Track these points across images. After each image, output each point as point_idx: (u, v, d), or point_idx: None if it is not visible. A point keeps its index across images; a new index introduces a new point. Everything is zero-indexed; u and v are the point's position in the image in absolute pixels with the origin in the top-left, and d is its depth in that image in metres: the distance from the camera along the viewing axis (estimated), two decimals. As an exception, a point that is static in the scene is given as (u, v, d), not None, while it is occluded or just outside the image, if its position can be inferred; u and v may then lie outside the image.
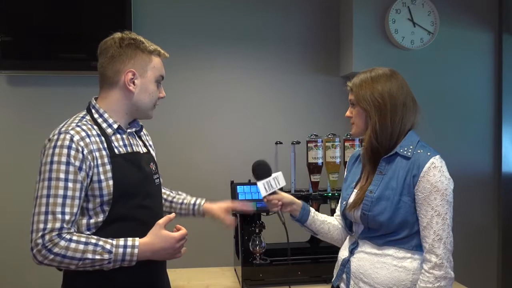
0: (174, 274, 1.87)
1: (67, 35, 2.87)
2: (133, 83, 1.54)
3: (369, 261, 1.56)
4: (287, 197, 1.72)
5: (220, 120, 3.12)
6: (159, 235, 1.48)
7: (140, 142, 1.67)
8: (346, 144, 2.39)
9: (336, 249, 2.29)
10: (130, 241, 1.44)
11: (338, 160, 2.39)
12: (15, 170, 2.90)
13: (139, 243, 1.45)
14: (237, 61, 3.13)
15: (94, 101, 1.58)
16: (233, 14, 3.10)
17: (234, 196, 2.24)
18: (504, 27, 3.19)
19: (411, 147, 1.53)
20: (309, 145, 2.39)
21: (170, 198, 1.91)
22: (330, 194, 2.36)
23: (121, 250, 1.42)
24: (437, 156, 1.51)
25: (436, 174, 1.47)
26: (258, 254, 2.24)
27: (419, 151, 1.52)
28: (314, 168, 2.39)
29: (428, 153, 1.51)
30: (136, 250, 1.43)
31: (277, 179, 1.68)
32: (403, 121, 1.55)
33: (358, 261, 1.59)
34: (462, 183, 3.18)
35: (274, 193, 1.69)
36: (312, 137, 2.40)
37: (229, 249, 2.53)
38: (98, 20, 2.87)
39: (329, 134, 2.41)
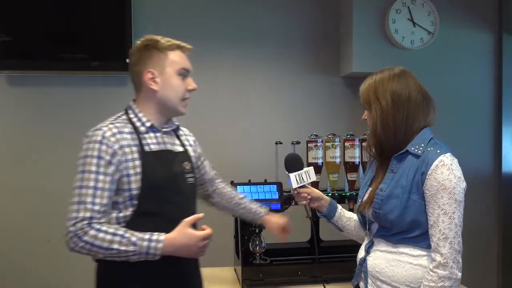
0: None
1: (67, 35, 2.86)
2: (155, 81, 1.60)
3: (384, 259, 1.55)
4: (316, 192, 1.74)
5: (219, 120, 3.12)
6: (184, 232, 1.51)
7: (178, 142, 1.73)
8: (346, 144, 2.39)
9: (335, 249, 2.29)
10: (155, 235, 1.49)
11: (338, 160, 2.39)
12: (15, 170, 2.90)
13: (164, 238, 1.49)
14: (237, 61, 3.13)
15: (132, 102, 1.67)
16: (233, 14, 3.10)
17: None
18: (504, 27, 3.19)
19: (422, 145, 1.53)
20: (309, 145, 2.39)
21: (233, 202, 1.97)
22: (330, 194, 2.36)
23: (145, 243, 1.46)
24: (448, 154, 1.49)
25: (444, 172, 1.46)
26: (258, 254, 2.24)
27: (429, 148, 1.51)
28: (314, 168, 2.38)
29: (438, 151, 1.50)
30: (160, 245, 1.47)
31: (308, 173, 1.71)
32: (408, 119, 1.54)
33: (373, 260, 1.58)
34: (462, 183, 3.20)
35: (303, 186, 1.71)
36: (312, 137, 2.40)
37: (229, 249, 2.53)
38: (98, 20, 2.87)
39: (329, 134, 2.41)
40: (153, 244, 1.47)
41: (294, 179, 1.68)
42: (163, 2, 3.03)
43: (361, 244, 1.77)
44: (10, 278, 2.87)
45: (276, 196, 2.25)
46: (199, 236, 1.52)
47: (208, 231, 1.55)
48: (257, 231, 2.24)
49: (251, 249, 2.24)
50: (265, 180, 2.32)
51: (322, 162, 2.39)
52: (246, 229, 2.27)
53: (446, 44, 3.09)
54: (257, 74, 3.15)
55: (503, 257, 3.26)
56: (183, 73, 1.65)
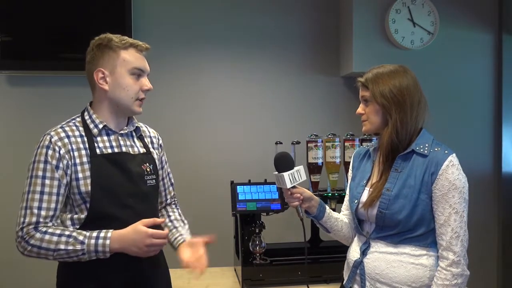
0: (174, 274, 1.86)
1: (67, 35, 2.86)
2: (105, 81, 1.57)
3: (384, 260, 1.54)
4: (307, 192, 1.67)
5: (220, 120, 3.12)
6: (133, 228, 1.48)
7: (139, 143, 1.68)
8: (346, 144, 2.40)
9: (335, 249, 2.29)
10: (103, 232, 1.48)
11: (338, 160, 2.39)
12: (15, 170, 2.90)
13: (111, 234, 1.48)
14: (237, 61, 3.13)
15: (88, 104, 1.65)
16: (233, 14, 3.10)
17: (234, 196, 2.24)
18: (504, 27, 3.19)
19: (426, 144, 1.53)
20: (309, 145, 2.40)
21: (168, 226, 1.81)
22: (330, 194, 2.36)
23: (93, 241, 1.46)
24: (454, 154, 1.52)
25: (454, 172, 1.48)
26: (258, 254, 2.24)
27: (436, 148, 1.52)
28: (314, 168, 2.39)
29: (446, 151, 1.51)
30: (108, 241, 1.46)
31: (299, 172, 1.64)
32: (418, 118, 1.55)
33: (373, 262, 1.57)
34: (462, 183, 3.20)
35: (294, 187, 1.64)
36: (312, 137, 2.40)
37: (229, 249, 2.53)
38: (98, 20, 2.86)
39: (329, 134, 2.41)
40: (100, 241, 1.46)
41: (288, 179, 1.60)
42: (163, 2, 3.03)
43: (346, 246, 1.75)
44: (5, 278, 2.88)
45: (276, 196, 2.25)
46: (147, 232, 1.47)
47: (159, 231, 1.50)
48: (257, 231, 2.24)
49: (251, 249, 2.24)
50: (265, 180, 2.32)
51: (322, 162, 2.40)
52: (246, 229, 2.28)
53: (446, 44, 3.09)
54: (257, 74, 3.15)
55: (503, 257, 3.26)
56: (136, 73, 1.58)
